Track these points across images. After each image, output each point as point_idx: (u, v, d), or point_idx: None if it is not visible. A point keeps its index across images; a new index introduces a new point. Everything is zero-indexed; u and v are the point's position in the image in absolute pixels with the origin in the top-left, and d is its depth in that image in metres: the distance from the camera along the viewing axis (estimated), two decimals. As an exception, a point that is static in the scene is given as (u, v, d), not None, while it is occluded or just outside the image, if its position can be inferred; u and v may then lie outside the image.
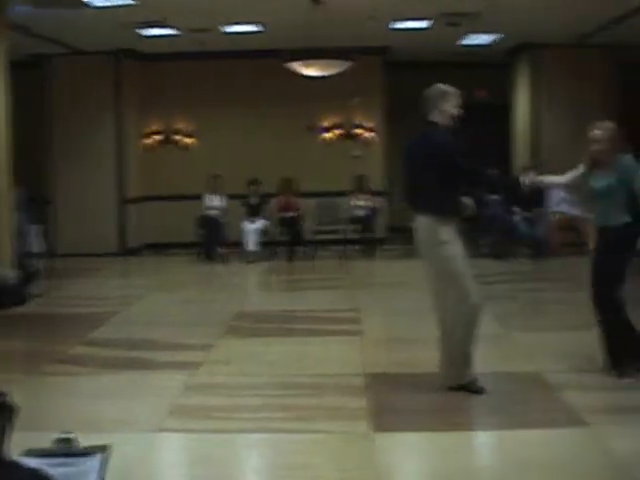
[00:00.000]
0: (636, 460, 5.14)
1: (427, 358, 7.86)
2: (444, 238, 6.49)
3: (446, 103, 6.76)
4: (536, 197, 15.64)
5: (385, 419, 6.05)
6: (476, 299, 6.49)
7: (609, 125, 6.99)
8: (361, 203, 16.16)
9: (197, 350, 8.27)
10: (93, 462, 3.66)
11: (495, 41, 16.15)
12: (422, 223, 6.58)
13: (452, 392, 6.57)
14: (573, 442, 5.52)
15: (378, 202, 16.58)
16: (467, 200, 6.75)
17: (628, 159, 6.79)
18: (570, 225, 14.94)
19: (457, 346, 6.56)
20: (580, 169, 7.12)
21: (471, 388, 6.52)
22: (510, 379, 7.13)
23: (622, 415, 5.86)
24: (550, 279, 13.55)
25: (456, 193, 6.67)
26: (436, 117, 6.71)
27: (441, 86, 6.86)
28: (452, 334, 6.57)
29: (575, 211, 14.76)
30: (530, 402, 6.40)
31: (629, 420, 5.76)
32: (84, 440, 3.87)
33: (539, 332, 9.18)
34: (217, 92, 17.08)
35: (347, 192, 16.32)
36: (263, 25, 14.22)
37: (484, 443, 5.78)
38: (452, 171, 6.58)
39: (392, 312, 10.73)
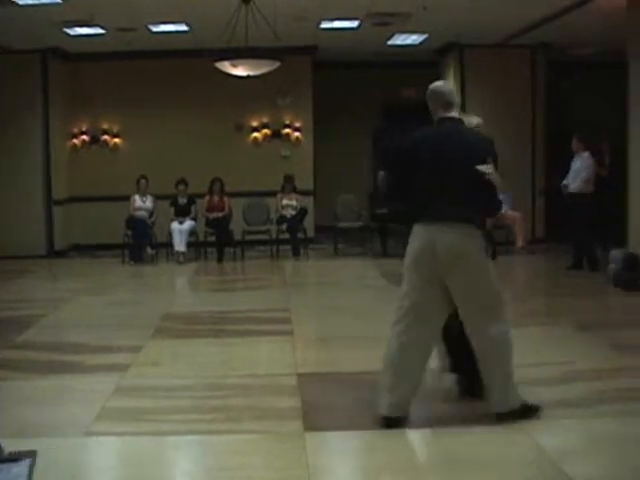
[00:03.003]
0: (564, 454, 5.22)
1: (358, 357, 7.92)
2: (485, 252, 5.91)
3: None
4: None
5: (316, 418, 6.05)
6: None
7: None
8: (289, 203, 16.15)
9: (126, 352, 8.18)
10: (21, 468, 3.61)
11: (423, 41, 16.26)
12: (466, 234, 5.76)
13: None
14: (503, 438, 5.58)
15: (306, 202, 16.59)
16: None
17: None
18: (499, 223, 15.09)
19: (506, 366, 5.85)
20: None
21: (527, 409, 5.91)
22: (440, 376, 7.15)
23: (559, 409, 5.93)
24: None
25: None
26: (456, 114, 6.08)
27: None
28: (499, 355, 5.83)
29: (504, 208, 14.90)
30: (461, 399, 6.43)
31: (559, 416, 5.84)
32: (11, 446, 3.81)
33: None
34: (145, 92, 16.96)
35: (276, 192, 16.31)
36: (190, 24, 14.15)
37: (414, 441, 5.80)
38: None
39: (322, 311, 10.77)
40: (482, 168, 5.64)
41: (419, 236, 5.82)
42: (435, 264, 5.73)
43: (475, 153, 5.79)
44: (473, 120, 6.52)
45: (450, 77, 17.30)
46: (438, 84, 6.22)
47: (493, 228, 14.97)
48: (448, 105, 6.00)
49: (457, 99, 6.10)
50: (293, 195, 16.28)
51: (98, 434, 5.79)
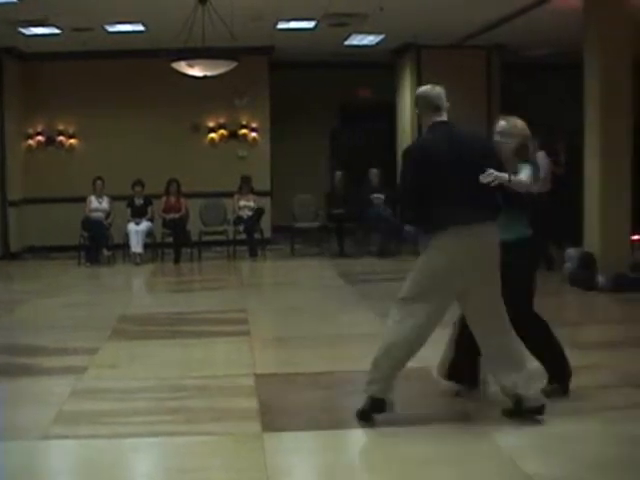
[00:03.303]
0: (521, 452, 5.28)
1: (315, 357, 7.94)
2: None
3: None
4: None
5: (274, 419, 6.05)
6: None
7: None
8: (246, 204, 16.12)
9: (83, 354, 8.13)
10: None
11: (380, 42, 16.31)
12: (495, 233, 5.86)
13: (345, 391, 6.62)
14: (460, 437, 5.63)
15: (263, 203, 16.58)
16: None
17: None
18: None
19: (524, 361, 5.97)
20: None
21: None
22: (398, 376, 7.19)
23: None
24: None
25: None
26: (446, 117, 6.04)
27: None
28: (522, 352, 6.00)
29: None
30: (418, 398, 6.48)
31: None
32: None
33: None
34: (101, 92, 16.85)
35: (233, 193, 16.27)
36: (147, 25, 14.09)
37: (372, 440, 5.81)
38: None
39: (280, 312, 10.77)
40: (486, 177, 5.66)
41: (453, 243, 5.71)
42: (474, 268, 5.76)
43: (488, 152, 5.94)
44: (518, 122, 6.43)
45: (407, 78, 17.38)
46: (425, 88, 6.15)
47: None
48: (437, 109, 5.97)
49: (446, 102, 6.02)
50: (250, 196, 16.25)
51: (55, 437, 5.74)
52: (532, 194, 6.24)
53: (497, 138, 6.35)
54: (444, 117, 5.99)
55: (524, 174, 6.07)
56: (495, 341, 5.84)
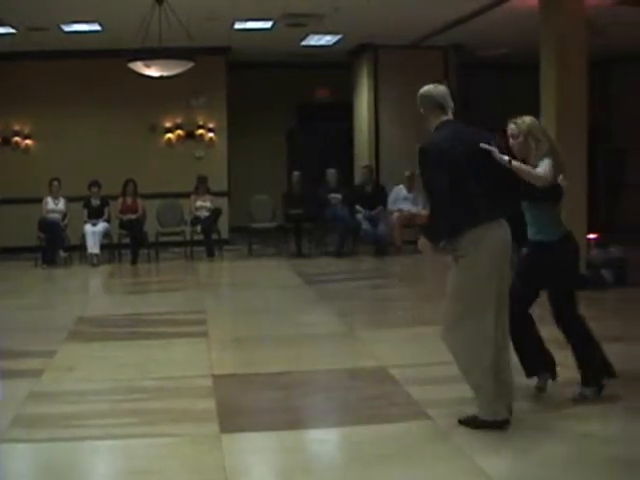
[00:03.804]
0: (478, 449, 5.32)
1: (273, 357, 7.95)
2: None
3: None
4: (378, 196, 15.95)
5: (232, 420, 6.05)
6: None
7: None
8: (203, 204, 16.08)
9: (39, 357, 8.07)
10: None
11: (337, 42, 16.35)
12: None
13: (303, 391, 6.65)
14: (417, 435, 5.67)
15: (220, 203, 16.55)
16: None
17: None
18: (411, 222, 15.26)
19: None
20: None
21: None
22: (355, 376, 7.23)
23: (464, 406, 6.01)
24: (392, 276, 13.85)
25: None
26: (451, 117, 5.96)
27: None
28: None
29: (416, 208, 15.10)
30: (375, 397, 6.52)
31: (470, 411, 5.93)
32: None
33: (382, 328, 9.39)
34: (57, 93, 16.71)
35: (189, 193, 16.22)
36: (103, 24, 14.01)
37: (330, 440, 5.84)
38: None
39: (238, 312, 10.78)
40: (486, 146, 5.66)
41: (492, 238, 5.61)
42: (507, 267, 5.72)
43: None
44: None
45: (364, 78, 17.44)
46: (428, 87, 6.04)
47: (403, 227, 15.29)
48: (442, 108, 5.89)
49: (451, 102, 5.95)
50: (207, 196, 16.21)
51: (12, 441, 5.70)
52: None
53: (515, 141, 6.25)
54: (450, 116, 5.92)
55: (541, 167, 5.95)
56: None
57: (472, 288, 5.62)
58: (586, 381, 6.30)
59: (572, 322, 6.32)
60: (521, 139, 6.20)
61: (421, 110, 6.02)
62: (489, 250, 5.59)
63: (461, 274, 5.68)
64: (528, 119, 6.31)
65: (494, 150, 5.68)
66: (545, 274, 6.14)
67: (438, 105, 5.90)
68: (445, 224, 5.65)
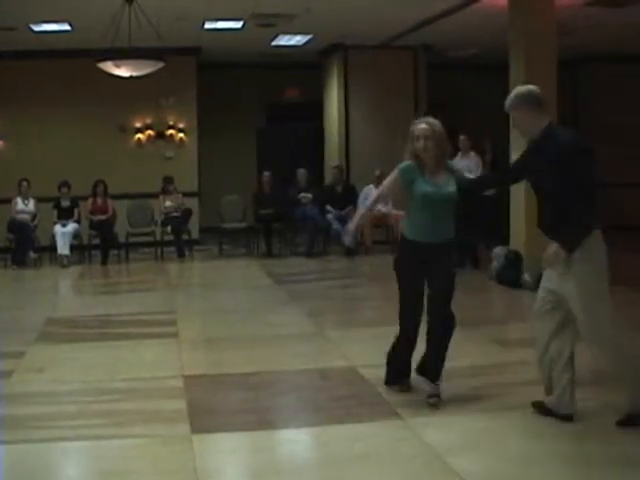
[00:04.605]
0: (448, 448, 5.35)
1: (244, 358, 7.95)
2: None
3: None
4: (348, 195, 15.98)
5: (203, 420, 6.06)
6: None
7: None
8: (172, 204, 16.04)
9: (8, 358, 8.02)
10: None
11: (308, 42, 16.37)
12: None
13: (274, 391, 6.67)
14: (388, 435, 5.70)
15: (190, 203, 16.52)
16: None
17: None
18: (381, 222, 15.29)
19: None
20: None
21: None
22: (326, 376, 7.25)
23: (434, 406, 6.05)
24: (362, 276, 13.89)
25: None
26: None
27: None
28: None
29: (386, 208, 15.13)
30: (346, 397, 6.53)
31: (440, 411, 5.96)
32: None
33: (352, 328, 9.43)
34: (26, 92, 16.59)
35: (159, 194, 16.18)
36: (73, 24, 13.95)
37: (301, 440, 5.86)
38: None
39: (208, 312, 10.75)
40: None
41: (600, 242, 5.53)
42: None
43: None
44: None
45: (334, 78, 17.47)
46: (528, 87, 5.76)
47: (373, 227, 15.32)
48: (543, 107, 5.65)
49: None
50: (175, 195, 16.18)
51: (-19, 442, 5.69)
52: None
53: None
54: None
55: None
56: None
57: (604, 286, 5.50)
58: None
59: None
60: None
61: (516, 112, 5.75)
62: (603, 254, 5.53)
63: (589, 274, 5.47)
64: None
65: None
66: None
67: (541, 104, 5.65)
68: (586, 227, 5.46)
